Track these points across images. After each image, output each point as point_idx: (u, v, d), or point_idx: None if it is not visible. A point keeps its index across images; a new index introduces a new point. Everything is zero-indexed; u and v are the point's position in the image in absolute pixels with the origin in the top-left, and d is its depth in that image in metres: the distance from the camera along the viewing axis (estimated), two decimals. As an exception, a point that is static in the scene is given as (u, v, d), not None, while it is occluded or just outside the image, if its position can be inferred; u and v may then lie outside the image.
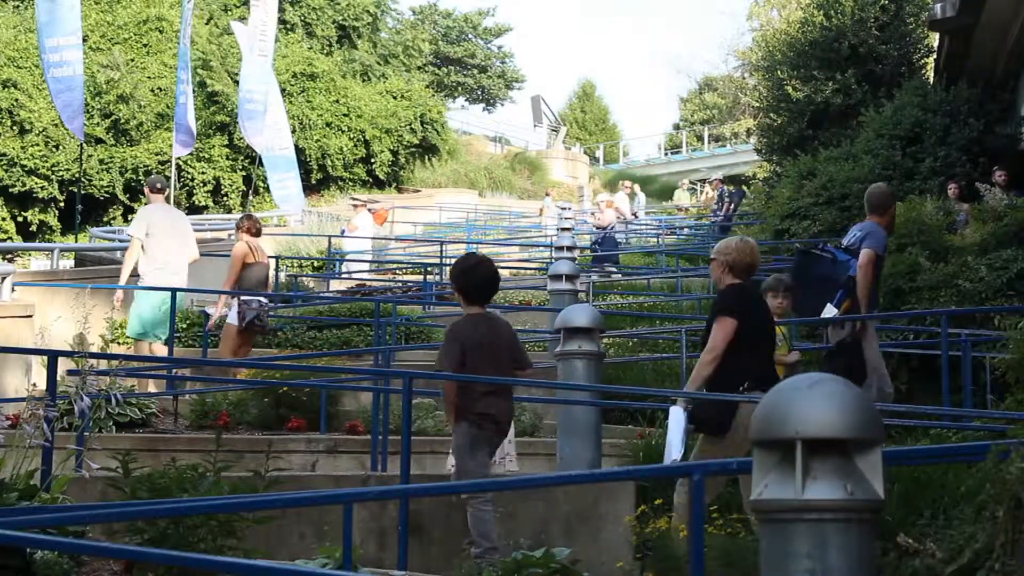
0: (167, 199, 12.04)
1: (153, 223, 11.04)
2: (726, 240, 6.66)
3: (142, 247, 10.93)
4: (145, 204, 11.94)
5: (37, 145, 29.95)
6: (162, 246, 10.98)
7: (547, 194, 32.77)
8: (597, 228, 21.77)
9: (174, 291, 10.57)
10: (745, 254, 6.34)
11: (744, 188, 28.47)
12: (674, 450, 5.89)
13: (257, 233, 11.54)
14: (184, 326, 12.79)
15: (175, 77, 24.21)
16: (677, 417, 6.01)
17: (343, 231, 21.15)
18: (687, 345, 10.16)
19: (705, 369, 6.06)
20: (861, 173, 15.68)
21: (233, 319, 10.99)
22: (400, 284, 17.59)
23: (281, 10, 36.60)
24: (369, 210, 21.33)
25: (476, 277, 6.45)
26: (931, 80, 17.51)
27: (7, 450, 5.60)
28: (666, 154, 53.21)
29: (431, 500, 6.75)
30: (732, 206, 25.69)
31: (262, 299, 11.08)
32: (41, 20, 19.96)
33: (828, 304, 7.87)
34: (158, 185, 11.72)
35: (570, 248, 14.98)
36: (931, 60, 20.30)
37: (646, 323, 13.32)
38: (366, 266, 19.69)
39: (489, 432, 6.36)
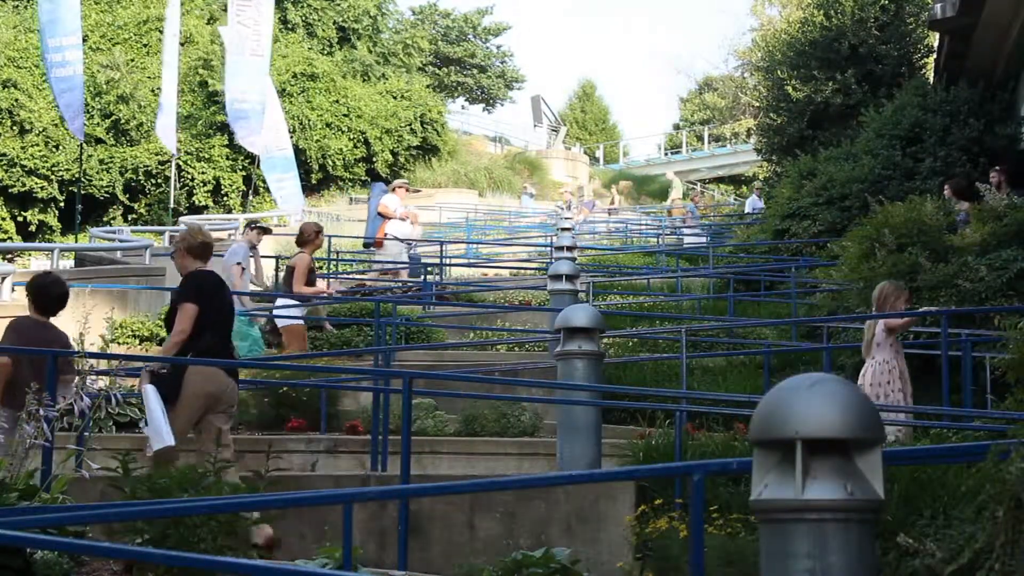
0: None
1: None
2: (186, 229, 7.59)
3: None
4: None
5: (37, 145, 29.96)
6: None
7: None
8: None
9: (174, 291, 10.55)
10: (196, 235, 7.17)
11: (595, 201, 28.87)
12: (164, 435, 6.44)
13: None
14: (184, 326, 12.76)
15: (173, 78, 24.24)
16: (154, 396, 6.58)
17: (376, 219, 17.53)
18: (687, 345, 10.15)
19: (173, 348, 6.86)
20: (861, 173, 15.68)
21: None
22: (400, 284, 17.55)
23: (283, 10, 36.64)
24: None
25: (47, 292, 7.40)
26: (931, 80, 17.49)
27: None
28: (666, 154, 53.17)
29: (431, 500, 6.75)
30: (581, 217, 25.69)
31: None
32: (43, 20, 20.06)
33: None
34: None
35: (570, 248, 14.98)
36: (931, 60, 20.29)
37: (646, 323, 13.31)
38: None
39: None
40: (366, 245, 17.63)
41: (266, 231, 14.34)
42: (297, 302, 11.71)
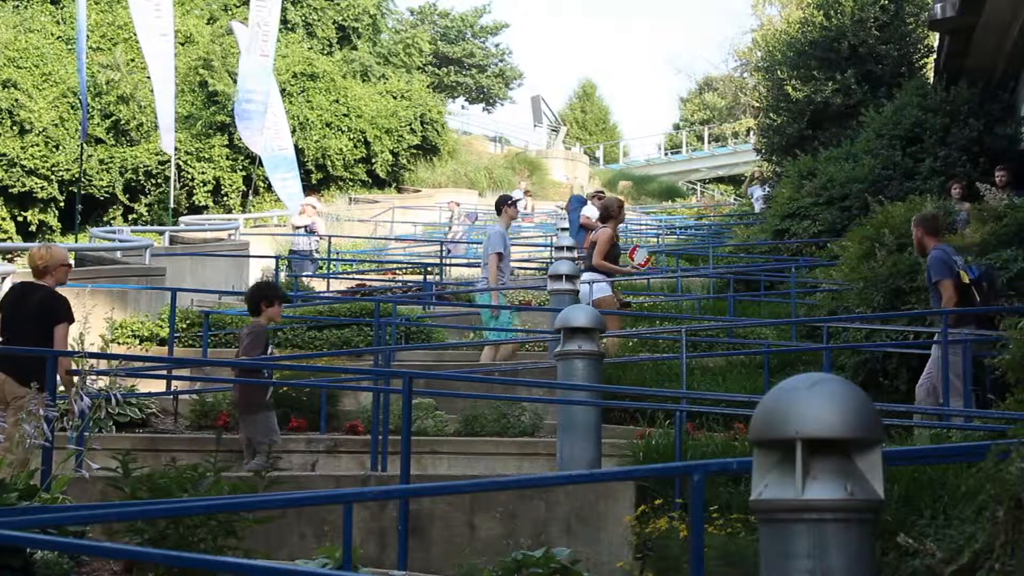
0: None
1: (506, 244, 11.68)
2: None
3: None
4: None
5: (37, 145, 29.93)
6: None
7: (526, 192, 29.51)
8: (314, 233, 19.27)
9: (174, 291, 10.56)
10: (31, 260, 7.85)
11: (477, 212, 27.19)
12: None
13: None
14: (184, 326, 12.79)
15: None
16: None
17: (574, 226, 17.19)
18: (687, 345, 10.14)
19: None
20: (861, 173, 15.67)
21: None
22: (400, 284, 17.58)
23: (283, 10, 36.65)
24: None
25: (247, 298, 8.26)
26: (931, 80, 17.49)
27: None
28: (666, 154, 53.18)
29: (431, 500, 6.75)
30: (461, 231, 24.72)
31: None
32: (79, 21, 20.31)
33: None
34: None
35: (570, 248, 14.96)
36: (931, 60, 20.28)
37: (646, 323, 13.31)
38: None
39: None
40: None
41: (517, 202, 12.75)
42: (603, 275, 11.40)
